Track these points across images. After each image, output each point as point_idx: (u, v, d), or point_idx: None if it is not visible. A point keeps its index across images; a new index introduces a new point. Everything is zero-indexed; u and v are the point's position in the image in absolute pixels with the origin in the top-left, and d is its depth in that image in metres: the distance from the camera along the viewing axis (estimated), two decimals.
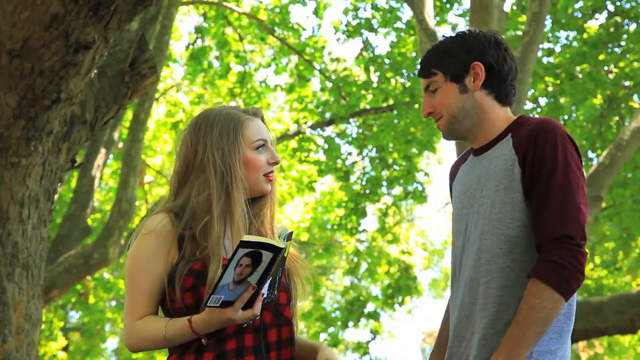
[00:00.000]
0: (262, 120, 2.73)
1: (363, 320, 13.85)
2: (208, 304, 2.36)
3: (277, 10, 13.56)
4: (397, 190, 13.57)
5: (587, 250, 2.51)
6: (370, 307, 13.83)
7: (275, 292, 2.52)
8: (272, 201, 2.71)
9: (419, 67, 2.81)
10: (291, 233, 2.49)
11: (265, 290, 2.45)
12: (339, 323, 13.79)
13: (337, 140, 13.41)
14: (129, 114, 12.62)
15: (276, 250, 2.33)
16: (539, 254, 2.51)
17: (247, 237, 2.31)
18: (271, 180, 2.68)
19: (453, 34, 2.80)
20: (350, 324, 13.63)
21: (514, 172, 2.57)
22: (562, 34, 11.89)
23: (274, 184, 2.71)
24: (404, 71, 12.70)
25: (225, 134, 2.63)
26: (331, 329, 13.86)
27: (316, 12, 13.44)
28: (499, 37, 2.76)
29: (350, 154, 13.55)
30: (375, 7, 12.77)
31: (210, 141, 2.62)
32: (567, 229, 2.48)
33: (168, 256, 2.57)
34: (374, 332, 14.27)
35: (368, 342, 14.08)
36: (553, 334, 2.53)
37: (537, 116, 2.72)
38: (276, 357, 2.55)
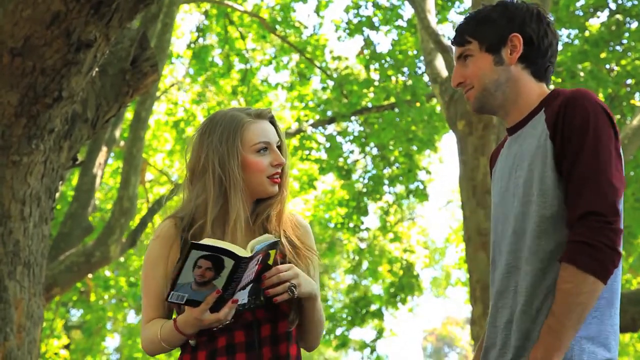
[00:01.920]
0: (272, 121, 2.72)
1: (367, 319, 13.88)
2: (169, 300, 2.39)
3: (279, 8, 13.55)
4: (399, 188, 13.57)
5: (621, 228, 2.35)
6: (374, 306, 13.84)
7: (262, 298, 2.49)
8: (280, 201, 2.69)
9: (454, 35, 2.62)
10: (275, 242, 2.45)
11: (244, 295, 2.45)
12: (345, 322, 13.80)
13: (339, 138, 13.41)
14: (130, 113, 12.63)
15: (237, 258, 2.33)
16: (569, 235, 2.34)
17: (205, 241, 2.33)
18: (277, 182, 2.66)
19: (494, 3, 2.61)
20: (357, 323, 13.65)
21: (546, 148, 2.41)
22: (564, 32, 11.89)
23: (283, 185, 2.69)
24: (405, 69, 12.69)
25: (225, 138, 2.64)
26: (339, 329, 13.85)
27: (317, 11, 13.44)
28: (542, 11, 2.59)
29: (351, 152, 13.56)
30: (376, 5, 12.77)
31: (211, 145, 2.64)
32: (595, 205, 2.32)
33: (168, 259, 2.61)
34: (379, 331, 14.28)
35: (374, 340, 14.09)
36: (592, 318, 2.35)
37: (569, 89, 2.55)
38: (271, 353, 2.53)
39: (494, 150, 2.76)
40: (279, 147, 2.69)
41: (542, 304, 2.37)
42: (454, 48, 2.63)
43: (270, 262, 2.47)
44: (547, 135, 2.43)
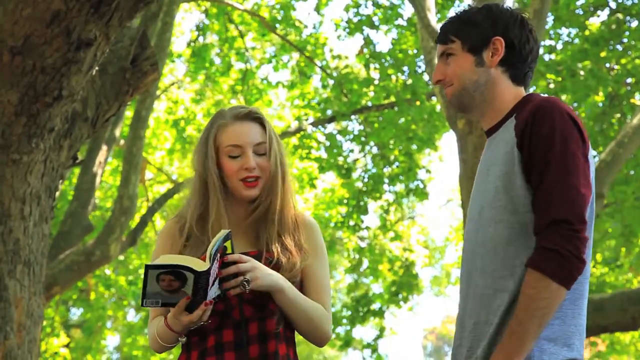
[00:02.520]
0: (260, 121, 2.69)
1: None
2: (143, 305, 2.44)
3: (279, 7, 13.55)
4: (399, 187, 13.57)
5: (587, 236, 2.37)
6: (375, 304, 13.84)
7: (221, 290, 2.50)
8: (269, 205, 2.67)
9: (438, 34, 2.68)
10: (228, 234, 2.47)
11: (215, 289, 2.48)
12: (346, 322, 13.79)
13: (339, 137, 13.41)
14: (130, 111, 12.63)
15: (195, 273, 2.37)
16: (536, 242, 2.38)
17: (160, 260, 2.39)
18: (250, 185, 2.65)
19: (479, 5, 2.68)
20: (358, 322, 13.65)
21: (514, 155, 2.45)
22: (564, 31, 11.88)
23: (270, 189, 2.67)
24: (405, 68, 12.69)
25: (204, 139, 2.69)
26: (342, 329, 13.84)
27: (317, 9, 13.44)
28: (526, 17, 2.66)
29: (351, 151, 13.55)
30: (376, 4, 12.76)
31: (198, 146, 2.70)
32: (563, 212, 2.34)
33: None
34: (380, 330, 14.28)
35: (376, 339, 14.09)
36: (555, 319, 2.40)
37: (541, 94, 2.60)
38: (258, 350, 2.54)
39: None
40: (267, 150, 2.66)
41: (509, 308, 2.41)
42: (437, 46, 2.68)
43: (229, 251, 2.50)
44: (514, 142, 2.46)
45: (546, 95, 2.57)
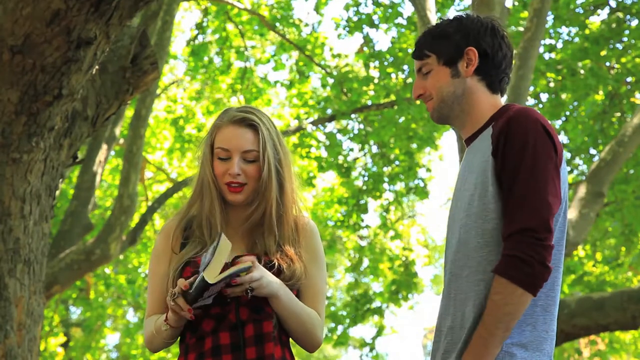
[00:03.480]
0: (255, 128, 2.67)
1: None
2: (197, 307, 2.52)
3: (278, 6, 13.54)
4: (399, 186, 13.57)
5: (552, 244, 2.43)
6: (374, 303, 13.83)
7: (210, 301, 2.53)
8: (261, 211, 2.67)
9: (413, 49, 2.75)
10: (249, 267, 2.51)
11: (200, 303, 2.51)
12: (347, 320, 13.79)
13: (339, 136, 13.41)
14: (130, 110, 12.62)
15: (205, 282, 2.44)
16: (503, 249, 2.45)
17: (213, 275, 2.45)
18: (235, 190, 2.65)
19: (450, 18, 2.74)
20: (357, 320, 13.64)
21: (488, 163, 2.52)
22: (564, 30, 11.87)
23: (256, 195, 2.67)
24: (405, 67, 12.69)
25: (205, 138, 2.71)
26: (340, 328, 13.85)
27: (316, 8, 13.43)
28: (497, 24, 2.70)
29: (351, 150, 13.55)
30: (376, 3, 12.76)
31: (199, 147, 2.74)
32: (528, 221, 2.41)
33: (171, 254, 2.68)
34: (379, 329, 14.28)
35: (374, 338, 14.09)
36: (526, 325, 2.47)
37: (518, 105, 2.66)
38: (256, 353, 2.54)
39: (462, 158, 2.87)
40: (258, 157, 2.65)
41: (480, 313, 2.46)
42: (414, 61, 2.73)
43: (243, 274, 2.52)
44: (490, 151, 2.53)
45: (522, 106, 2.61)
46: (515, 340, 2.45)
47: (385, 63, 12.74)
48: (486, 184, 2.51)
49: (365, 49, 13.09)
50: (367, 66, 12.95)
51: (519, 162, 2.46)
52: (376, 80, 12.85)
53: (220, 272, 2.45)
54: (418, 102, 12.38)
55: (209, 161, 2.67)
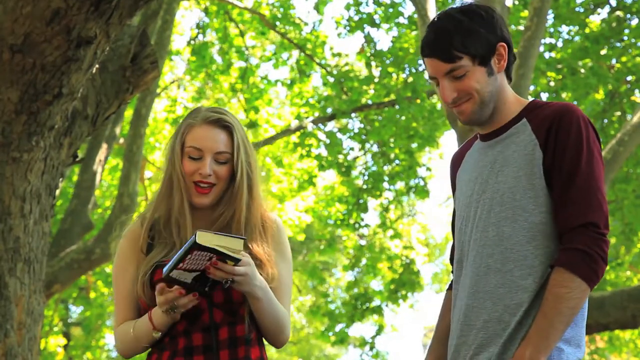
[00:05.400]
0: (230, 129, 2.64)
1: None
2: (168, 275, 2.46)
3: (279, 5, 13.54)
4: (399, 185, 13.57)
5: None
6: (374, 302, 13.83)
7: (206, 289, 2.49)
8: (232, 214, 2.63)
9: (431, 49, 2.54)
10: (237, 259, 2.46)
11: (189, 277, 2.46)
12: (344, 319, 13.79)
13: (339, 135, 13.40)
14: (130, 110, 12.62)
15: (193, 241, 2.37)
16: (563, 242, 2.44)
17: (206, 240, 2.37)
18: (203, 192, 2.62)
19: (462, 11, 2.55)
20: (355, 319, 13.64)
21: (534, 156, 2.48)
22: (564, 28, 11.87)
23: (224, 198, 2.64)
24: (405, 66, 12.69)
25: (174, 136, 2.66)
26: (339, 326, 13.85)
27: (317, 7, 13.43)
28: (497, 9, 2.62)
29: (352, 149, 13.55)
30: (377, 2, 12.76)
31: (169, 141, 2.68)
32: (593, 216, 2.41)
33: (137, 258, 2.67)
34: (379, 327, 14.28)
35: (373, 337, 14.09)
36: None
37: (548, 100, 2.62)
38: (229, 356, 2.52)
39: (457, 153, 2.78)
40: (230, 159, 2.62)
41: (529, 307, 2.44)
42: (433, 62, 2.53)
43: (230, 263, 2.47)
44: (535, 144, 2.49)
45: (560, 102, 2.57)
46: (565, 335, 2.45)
47: (387, 62, 12.74)
48: (531, 177, 2.48)
49: (365, 47, 13.09)
50: (368, 65, 12.95)
51: (577, 158, 2.44)
52: (376, 79, 12.85)
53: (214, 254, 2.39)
54: (419, 100, 12.38)
55: (179, 158, 2.63)
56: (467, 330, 2.52)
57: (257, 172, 2.70)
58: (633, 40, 11.26)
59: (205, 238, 2.36)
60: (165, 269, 2.42)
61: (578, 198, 2.43)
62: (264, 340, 2.67)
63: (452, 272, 2.71)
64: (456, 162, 2.76)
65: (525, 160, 2.49)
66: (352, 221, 13.45)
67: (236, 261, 2.43)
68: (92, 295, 15.06)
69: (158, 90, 13.63)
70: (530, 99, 2.72)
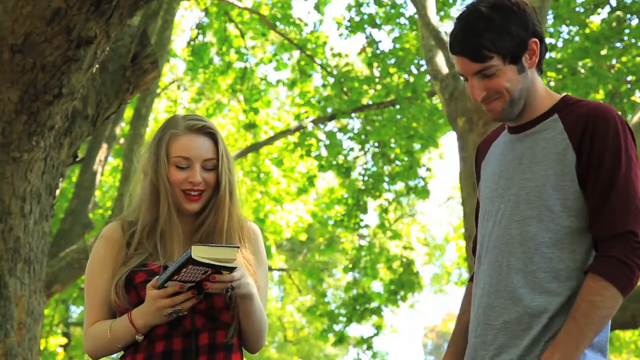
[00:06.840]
0: (213, 136, 2.65)
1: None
2: (164, 287, 2.45)
3: (279, 5, 13.54)
4: (399, 185, 13.57)
5: None
6: (373, 302, 13.84)
7: (201, 296, 2.50)
8: (215, 221, 2.64)
9: (461, 47, 2.45)
10: (231, 268, 2.46)
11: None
12: (344, 319, 13.80)
13: (339, 135, 13.41)
14: (130, 110, 12.63)
15: (189, 256, 2.37)
16: (599, 250, 2.39)
17: (201, 254, 2.37)
18: (192, 199, 2.63)
19: (493, 6, 2.44)
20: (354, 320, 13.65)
21: (566, 157, 2.41)
22: (564, 29, 11.87)
23: (210, 204, 2.64)
24: (406, 66, 12.69)
25: (155, 144, 2.66)
26: (337, 327, 13.85)
27: (317, 8, 13.44)
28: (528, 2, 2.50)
29: (352, 149, 13.55)
30: (378, 3, 12.76)
31: (151, 148, 2.67)
32: (632, 225, 2.37)
33: (116, 261, 2.62)
34: (377, 327, 14.29)
35: (371, 337, 14.09)
36: None
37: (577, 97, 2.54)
38: None
39: (483, 142, 2.71)
40: (215, 165, 2.64)
41: (556, 311, 2.40)
42: (462, 61, 2.47)
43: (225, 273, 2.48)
44: (568, 145, 2.42)
45: (595, 101, 2.50)
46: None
47: (389, 62, 12.74)
48: (563, 178, 2.41)
49: (367, 47, 13.10)
50: (370, 66, 12.96)
51: (615, 165, 2.39)
52: (377, 80, 12.85)
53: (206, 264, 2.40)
54: (419, 101, 12.39)
55: (165, 167, 2.62)
56: (486, 330, 2.48)
57: (235, 176, 2.72)
58: (633, 40, 11.26)
59: (200, 252, 2.37)
60: (159, 279, 2.43)
61: (617, 206, 2.38)
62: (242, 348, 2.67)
63: (474, 263, 2.63)
64: (481, 151, 2.70)
65: (555, 159, 2.43)
66: (352, 222, 13.45)
67: (231, 270, 2.44)
68: None
69: (158, 91, 13.63)
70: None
